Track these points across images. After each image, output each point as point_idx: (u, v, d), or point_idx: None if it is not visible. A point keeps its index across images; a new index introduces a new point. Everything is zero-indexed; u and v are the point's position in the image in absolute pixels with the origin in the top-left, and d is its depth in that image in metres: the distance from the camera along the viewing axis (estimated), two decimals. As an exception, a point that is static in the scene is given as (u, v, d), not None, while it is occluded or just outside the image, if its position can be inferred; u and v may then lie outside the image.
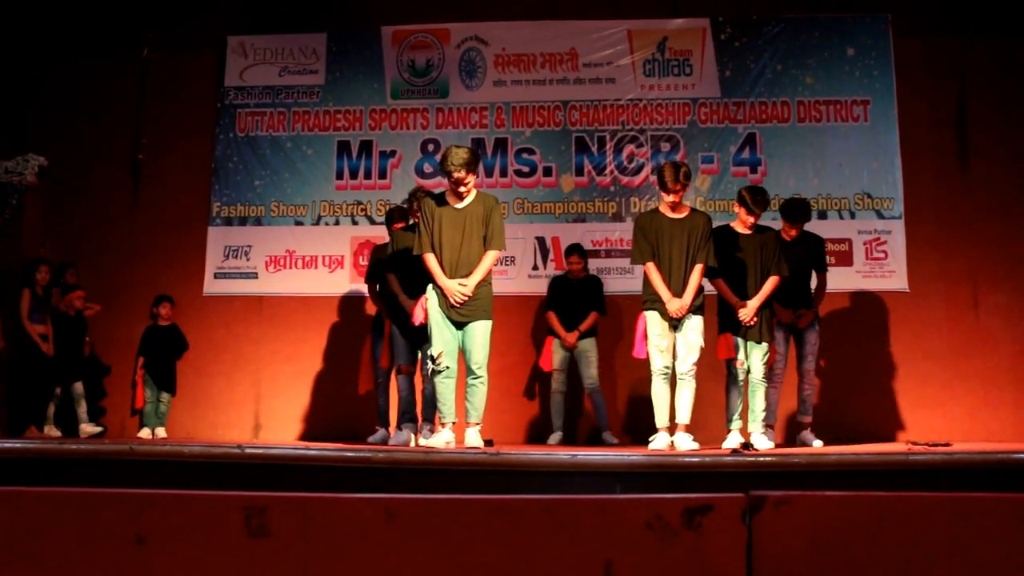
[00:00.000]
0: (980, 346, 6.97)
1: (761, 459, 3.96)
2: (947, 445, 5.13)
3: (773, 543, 1.87)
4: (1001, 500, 1.92)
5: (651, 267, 5.13)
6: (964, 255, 7.09)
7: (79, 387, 7.04)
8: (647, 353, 5.15)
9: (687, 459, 4.00)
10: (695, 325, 5.08)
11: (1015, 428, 6.69)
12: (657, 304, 5.09)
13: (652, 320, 5.11)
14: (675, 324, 5.08)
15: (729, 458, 3.97)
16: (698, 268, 5.07)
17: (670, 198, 5.09)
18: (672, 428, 5.10)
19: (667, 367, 5.09)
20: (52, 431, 6.84)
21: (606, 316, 6.68)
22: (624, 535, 1.90)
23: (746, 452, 4.61)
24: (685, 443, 4.93)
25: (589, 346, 6.53)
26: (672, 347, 5.10)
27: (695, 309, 5.08)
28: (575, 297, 6.60)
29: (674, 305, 5.01)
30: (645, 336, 5.14)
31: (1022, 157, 7.16)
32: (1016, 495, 1.92)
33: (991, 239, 7.09)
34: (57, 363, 6.90)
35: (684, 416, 5.06)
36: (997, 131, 7.23)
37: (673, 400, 5.13)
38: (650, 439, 5.12)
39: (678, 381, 5.08)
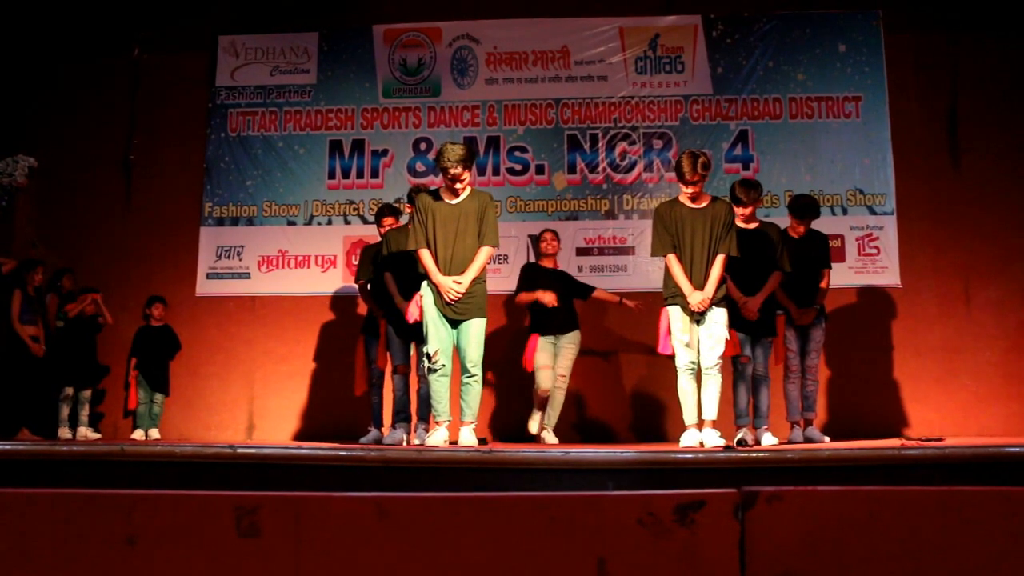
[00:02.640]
0: (972, 341, 6.99)
1: (753, 455, 3.97)
2: (939, 440, 5.15)
3: (766, 538, 1.87)
4: (993, 494, 1.92)
5: (672, 259, 4.92)
6: (956, 251, 7.11)
7: (87, 393, 7.05)
8: (672, 349, 4.97)
9: (679, 455, 4.00)
10: (718, 318, 4.87)
11: (1007, 423, 6.71)
12: (679, 299, 4.88)
13: (675, 315, 4.91)
14: (698, 318, 4.87)
15: (721, 454, 3.97)
16: (720, 259, 4.86)
17: (688, 189, 4.91)
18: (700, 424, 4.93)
19: (692, 363, 4.89)
20: (65, 433, 6.83)
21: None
22: (617, 532, 1.89)
23: (739, 448, 4.62)
24: (712, 439, 4.75)
25: (572, 340, 6.36)
26: (696, 341, 4.91)
27: (717, 301, 4.87)
28: (550, 288, 6.43)
29: (695, 298, 4.80)
30: (669, 332, 4.97)
31: (1013, 152, 7.19)
32: (1008, 489, 1.92)
33: (983, 234, 7.10)
34: (70, 366, 6.91)
35: (711, 412, 4.84)
36: (988, 126, 7.24)
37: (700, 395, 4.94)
38: (680, 437, 4.98)
39: (703, 376, 4.88)
